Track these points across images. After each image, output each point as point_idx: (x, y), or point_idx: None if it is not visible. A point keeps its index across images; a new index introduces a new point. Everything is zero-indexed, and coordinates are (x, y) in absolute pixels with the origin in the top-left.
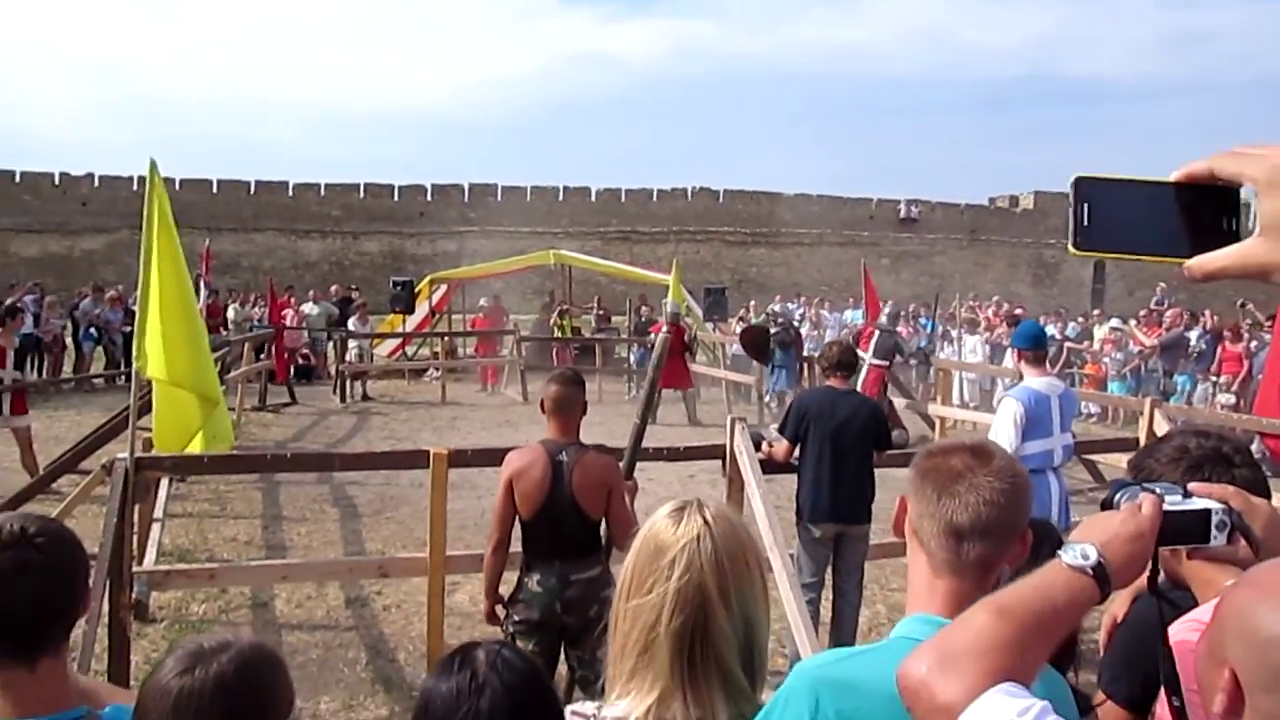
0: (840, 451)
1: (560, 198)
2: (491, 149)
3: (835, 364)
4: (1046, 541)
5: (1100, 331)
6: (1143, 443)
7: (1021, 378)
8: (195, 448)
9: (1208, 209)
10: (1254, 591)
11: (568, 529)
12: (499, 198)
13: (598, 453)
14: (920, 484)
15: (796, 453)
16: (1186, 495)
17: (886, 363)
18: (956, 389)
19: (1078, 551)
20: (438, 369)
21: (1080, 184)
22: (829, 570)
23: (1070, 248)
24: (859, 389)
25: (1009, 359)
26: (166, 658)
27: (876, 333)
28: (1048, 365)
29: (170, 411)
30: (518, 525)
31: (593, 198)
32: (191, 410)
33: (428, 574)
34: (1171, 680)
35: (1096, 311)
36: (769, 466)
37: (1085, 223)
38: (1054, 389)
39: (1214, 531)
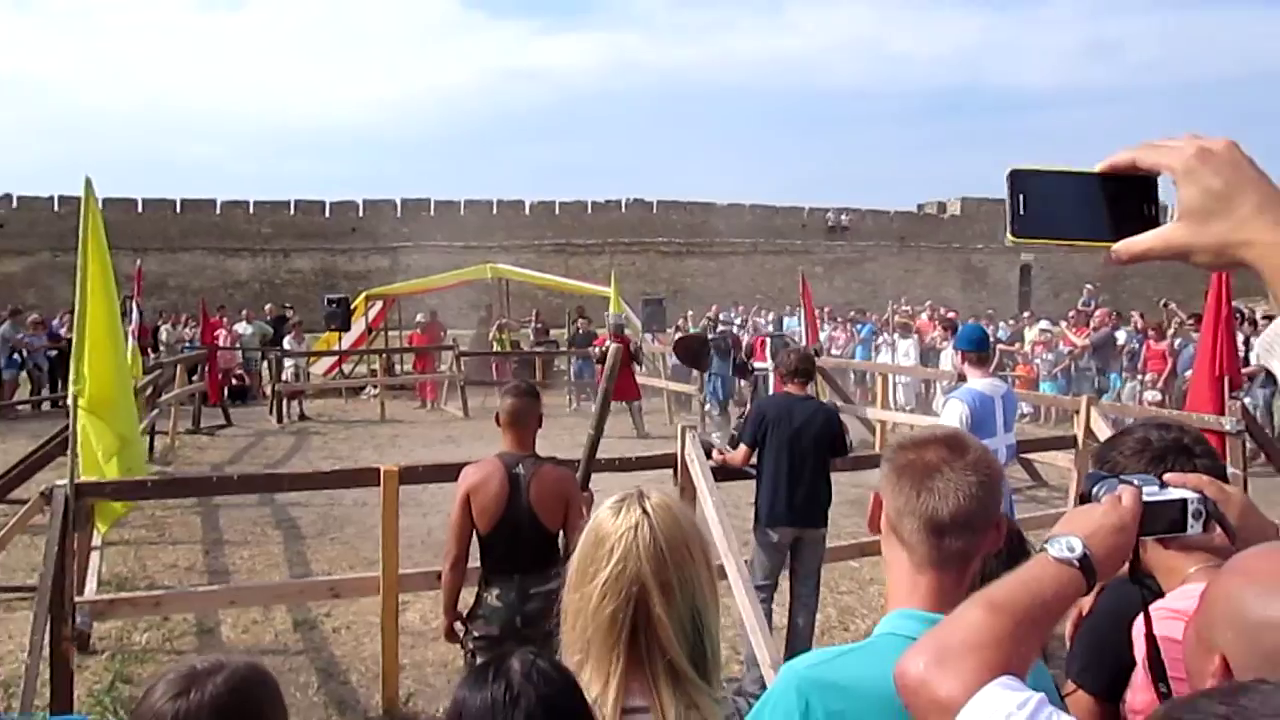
0: (798, 456)
1: (495, 211)
2: (424, 163)
3: (793, 371)
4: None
5: (1031, 333)
6: (1080, 440)
7: (963, 380)
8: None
9: (1130, 196)
10: (1241, 577)
11: (526, 541)
12: (432, 212)
13: (554, 465)
14: (896, 480)
15: (754, 458)
16: (1162, 486)
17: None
18: (892, 393)
19: (1063, 544)
20: (375, 386)
21: (1015, 175)
22: (783, 575)
23: (1008, 235)
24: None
25: (944, 362)
26: (157, 682)
27: (768, 340)
28: (990, 367)
29: (90, 439)
30: (474, 540)
31: (527, 211)
32: (107, 440)
33: (380, 593)
34: (1157, 667)
35: (1026, 314)
36: (720, 473)
37: (1020, 211)
38: (996, 390)
39: (1190, 521)
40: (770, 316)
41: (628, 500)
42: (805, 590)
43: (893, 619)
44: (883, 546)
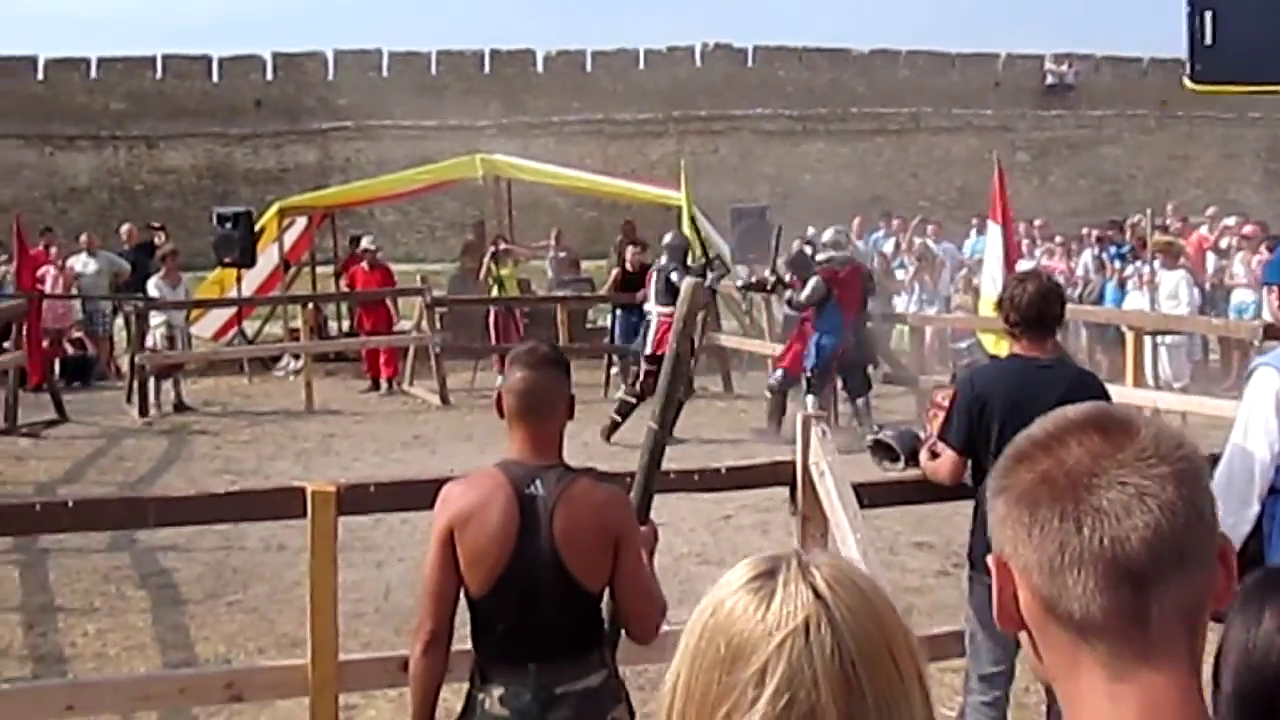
0: None
1: (486, 68)
2: None
3: (1032, 318)
4: None
5: None
6: None
7: (1268, 338)
8: None
9: None
10: None
11: (548, 610)
12: (385, 69)
13: (593, 480)
14: (1026, 516)
15: (967, 468)
16: None
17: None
18: (1151, 360)
19: None
20: (297, 356)
21: None
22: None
23: (1186, 81)
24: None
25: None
26: None
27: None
28: None
29: None
30: (463, 605)
31: (538, 66)
32: None
33: (309, 693)
34: None
35: None
36: (904, 491)
37: (1208, 41)
38: None
39: None
40: (933, 234)
41: (781, 572)
42: None
43: None
44: (1038, 652)
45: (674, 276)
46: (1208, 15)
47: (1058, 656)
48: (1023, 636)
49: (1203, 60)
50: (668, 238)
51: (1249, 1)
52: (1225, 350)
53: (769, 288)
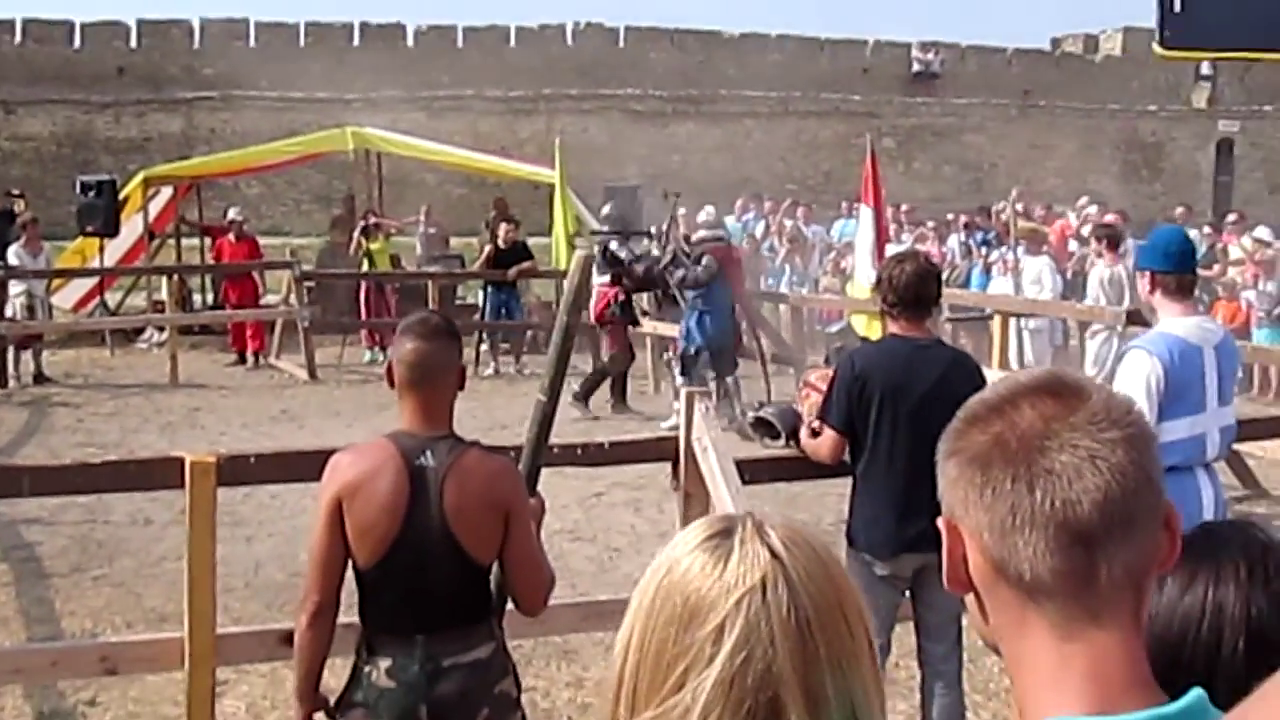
0: (927, 441)
1: (356, 40)
2: None
3: (909, 299)
4: (1261, 552)
5: (1237, 249)
6: None
7: (1138, 322)
8: None
9: None
10: None
11: (437, 581)
12: (253, 39)
13: (483, 452)
14: (979, 478)
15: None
16: None
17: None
18: (1014, 345)
19: None
20: (161, 329)
21: None
22: (897, 627)
23: (1156, 47)
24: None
25: (1091, 291)
26: None
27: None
28: (1196, 299)
29: None
30: (350, 577)
31: (409, 40)
32: None
33: (185, 666)
34: None
35: (1230, 218)
36: (770, 468)
37: (1177, 7)
38: (1208, 336)
39: None
40: (803, 216)
41: (736, 531)
42: (940, 650)
43: None
44: (984, 613)
45: (613, 246)
46: None
47: (1006, 617)
48: (969, 599)
49: (1172, 26)
50: (606, 209)
51: None
52: (1085, 336)
53: (664, 265)
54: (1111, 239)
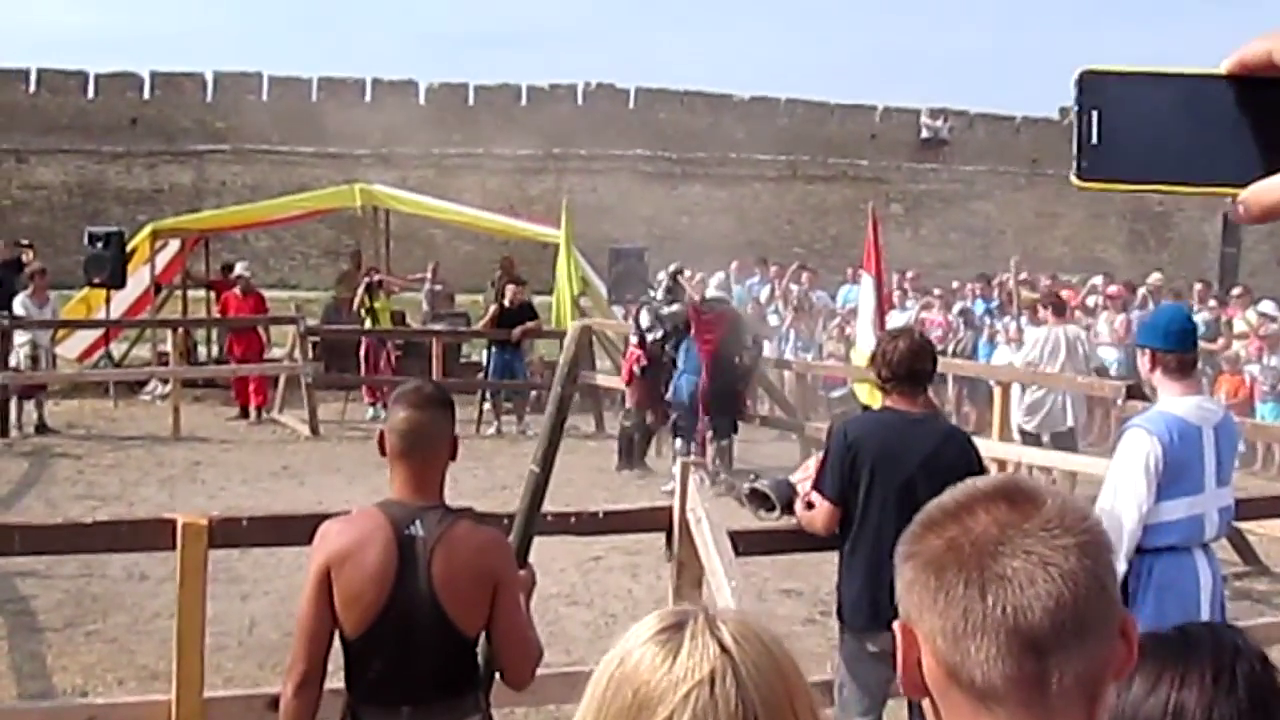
0: (912, 515)
1: (368, 96)
2: (254, 12)
3: (903, 374)
4: (1231, 659)
5: (1242, 322)
6: None
7: (1140, 397)
8: None
9: (1272, 112)
10: None
11: (424, 653)
12: (265, 94)
13: (473, 523)
14: (933, 582)
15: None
16: None
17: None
18: (1016, 411)
19: None
20: (165, 381)
21: (1086, 82)
22: (891, 702)
23: (1073, 177)
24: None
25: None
26: None
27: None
28: (1196, 377)
29: None
30: (337, 646)
31: (421, 98)
32: None
33: None
34: None
35: (1235, 291)
36: (778, 540)
37: (1094, 139)
38: (1208, 416)
39: None
40: (807, 281)
41: (688, 624)
42: None
43: None
44: (939, 715)
45: (644, 316)
46: (1094, 114)
47: None
48: (925, 703)
49: (1089, 158)
50: (661, 275)
51: (1136, 102)
52: (1089, 407)
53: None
54: (1056, 305)
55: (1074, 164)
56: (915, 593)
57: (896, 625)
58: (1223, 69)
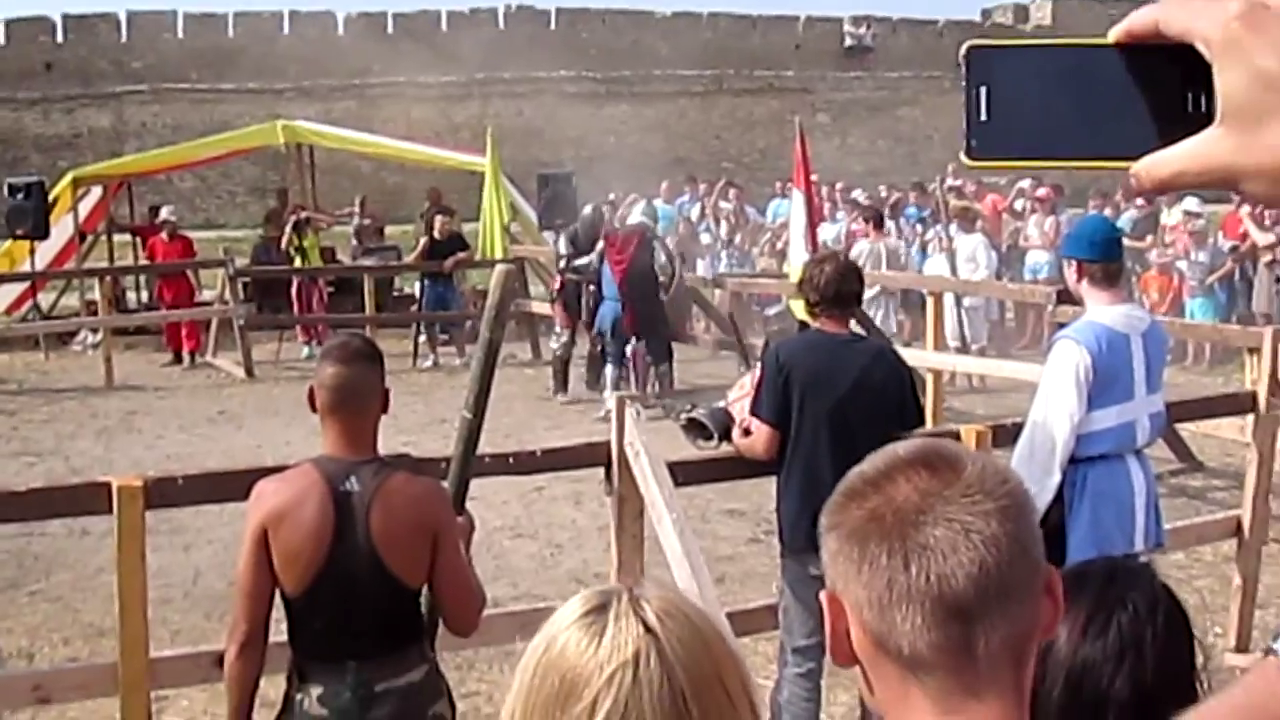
0: (848, 435)
1: (285, 28)
2: None
3: (830, 297)
4: (1136, 590)
5: (1169, 218)
6: (1263, 399)
7: (1066, 303)
8: None
9: (1162, 83)
10: None
11: (366, 607)
12: (180, 30)
13: (409, 474)
14: (856, 552)
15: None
16: None
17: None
18: (951, 321)
19: None
20: (95, 330)
21: (974, 57)
22: None
23: (963, 157)
24: None
25: (1032, 265)
26: None
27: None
28: (1123, 286)
29: None
30: (279, 603)
31: (340, 28)
32: None
33: (119, 691)
34: None
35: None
36: (705, 469)
37: (982, 116)
38: (1135, 324)
39: None
40: (735, 197)
41: (611, 605)
42: None
43: None
44: (869, 684)
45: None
46: (983, 91)
47: (888, 691)
48: (856, 671)
49: (978, 136)
50: (586, 210)
51: (1024, 76)
52: (1020, 312)
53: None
54: (876, 218)
55: (964, 143)
56: (840, 564)
57: (823, 595)
58: (1110, 39)
